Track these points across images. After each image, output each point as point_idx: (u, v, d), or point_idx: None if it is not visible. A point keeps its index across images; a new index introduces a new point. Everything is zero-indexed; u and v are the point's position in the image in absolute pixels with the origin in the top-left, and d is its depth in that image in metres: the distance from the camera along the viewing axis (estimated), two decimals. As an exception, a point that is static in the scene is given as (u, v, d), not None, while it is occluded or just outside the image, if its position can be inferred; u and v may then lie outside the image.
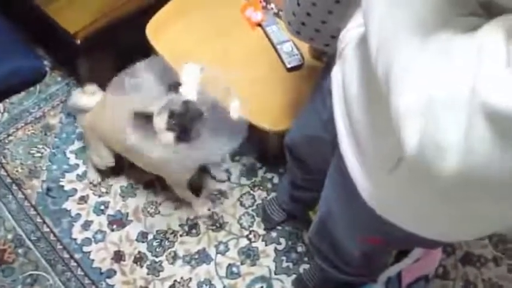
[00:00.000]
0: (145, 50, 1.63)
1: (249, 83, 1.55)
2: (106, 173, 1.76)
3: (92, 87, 1.58)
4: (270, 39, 1.65)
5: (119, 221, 1.69)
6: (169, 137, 1.29)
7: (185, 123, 1.28)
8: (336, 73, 0.82)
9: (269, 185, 1.80)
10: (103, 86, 1.58)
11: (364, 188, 0.73)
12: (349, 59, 0.76)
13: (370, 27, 0.57)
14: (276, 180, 1.82)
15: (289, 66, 1.59)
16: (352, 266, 1.14)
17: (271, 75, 1.59)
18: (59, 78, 2.00)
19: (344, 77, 0.77)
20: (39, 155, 1.81)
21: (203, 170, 1.77)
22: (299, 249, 1.69)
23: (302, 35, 1.05)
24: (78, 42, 1.60)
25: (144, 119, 1.29)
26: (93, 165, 1.72)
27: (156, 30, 1.65)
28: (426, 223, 0.71)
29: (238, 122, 1.37)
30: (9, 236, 1.64)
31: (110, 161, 1.64)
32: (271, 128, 1.51)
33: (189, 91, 1.33)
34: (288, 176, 1.54)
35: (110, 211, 1.71)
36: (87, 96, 1.56)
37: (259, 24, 1.68)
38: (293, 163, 1.38)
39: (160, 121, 1.28)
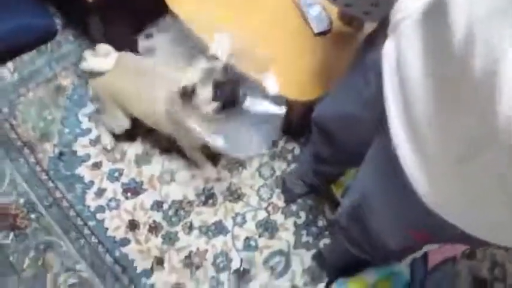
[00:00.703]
0: (162, 11, 1.53)
1: (273, 49, 1.45)
2: (120, 139, 1.69)
3: (104, 48, 1.48)
4: (296, 2, 1.53)
5: (133, 189, 1.63)
6: (214, 106, 1.24)
7: (229, 91, 1.24)
8: (388, 49, 0.72)
9: (290, 156, 1.73)
10: (117, 47, 1.50)
11: (418, 181, 0.65)
12: (409, 34, 0.66)
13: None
14: (297, 151, 1.74)
15: (316, 31, 1.48)
16: (382, 252, 1.08)
17: (297, 40, 1.49)
18: (71, 38, 1.91)
19: (400, 55, 0.67)
20: (50, 117, 1.73)
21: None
22: (319, 223, 1.63)
23: (338, 1, 0.94)
24: (90, 0, 1.49)
25: (190, 91, 1.23)
26: (108, 129, 1.65)
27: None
28: (494, 228, 0.63)
29: (275, 109, 1.33)
30: (21, 201, 1.59)
31: (126, 125, 1.57)
32: (297, 98, 1.42)
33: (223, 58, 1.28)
34: (311, 148, 1.46)
35: (124, 179, 1.65)
36: (100, 58, 1.47)
37: (286, -15, 1.56)
38: (320, 138, 1.29)
39: (205, 92, 1.23)
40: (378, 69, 0.77)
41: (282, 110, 1.34)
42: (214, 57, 1.27)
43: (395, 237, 0.91)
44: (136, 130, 1.68)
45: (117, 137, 1.68)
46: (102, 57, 1.47)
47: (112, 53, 1.47)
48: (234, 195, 1.64)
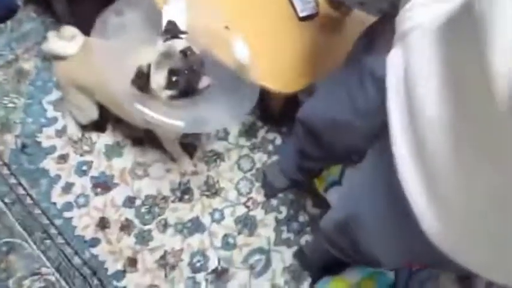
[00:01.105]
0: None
1: (255, 35, 1.32)
2: (88, 128, 1.56)
3: (70, 30, 1.34)
4: (280, -18, 1.40)
5: (103, 184, 1.52)
6: (168, 94, 1.10)
7: (187, 77, 1.08)
8: (394, 59, 0.61)
9: (270, 147, 1.63)
10: (84, 28, 1.34)
11: (424, 215, 0.56)
12: (421, 47, 0.56)
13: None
14: (278, 141, 1.64)
15: (301, 14, 1.36)
16: (370, 261, 1.01)
17: (280, 25, 1.37)
18: (34, 15, 1.74)
19: (409, 68, 0.57)
20: (12, 105, 1.59)
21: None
22: (301, 218, 1.56)
23: None
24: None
25: (145, 74, 1.08)
26: (74, 119, 1.52)
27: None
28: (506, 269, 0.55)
29: (247, 79, 1.18)
30: (-19, 197, 1.47)
31: (93, 115, 1.45)
32: (280, 90, 1.31)
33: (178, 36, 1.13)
34: (296, 144, 1.36)
35: (93, 172, 1.53)
36: (65, 41, 1.33)
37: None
38: (306, 138, 1.20)
39: (159, 78, 1.08)
40: (377, 76, 0.69)
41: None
42: (173, 39, 1.12)
43: (389, 259, 0.84)
44: (106, 118, 1.56)
45: (85, 127, 1.55)
46: (67, 41, 1.33)
47: (78, 37, 1.33)
48: (212, 189, 1.55)
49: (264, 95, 1.50)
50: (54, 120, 1.58)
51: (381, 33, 0.70)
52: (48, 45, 1.35)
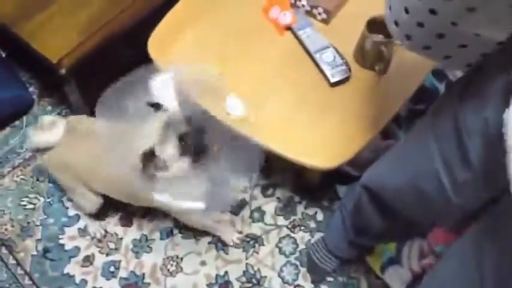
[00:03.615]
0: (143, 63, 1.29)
1: (280, 106, 1.21)
2: (113, 223, 1.44)
3: (49, 119, 1.28)
4: (304, 47, 1.29)
5: (134, 285, 1.37)
6: (185, 162, 1.01)
7: (195, 137, 1.01)
8: None
9: (312, 224, 1.47)
10: None
11: None
12: None
13: None
14: (320, 216, 1.48)
15: (332, 80, 1.23)
16: None
17: (310, 93, 1.24)
18: (49, 107, 1.68)
19: None
20: (31, 206, 1.49)
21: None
22: (357, 304, 1.37)
23: (414, 42, 0.69)
24: (63, 71, 1.26)
25: (150, 156, 0.98)
26: (83, 212, 1.42)
27: (160, 45, 1.30)
28: None
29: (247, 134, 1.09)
30: (3, 313, 1.34)
31: (96, 202, 1.34)
32: (317, 166, 1.17)
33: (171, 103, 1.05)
34: (351, 217, 1.21)
35: (122, 273, 1.39)
36: (46, 131, 1.25)
37: (289, 28, 1.32)
38: (370, 207, 1.06)
39: (169, 150, 0.99)
40: (486, 139, 0.60)
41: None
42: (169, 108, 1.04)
43: None
44: (131, 210, 1.44)
45: (109, 222, 1.44)
46: (48, 130, 1.24)
47: (58, 122, 1.25)
48: (253, 280, 1.38)
49: (299, 166, 1.37)
50: (76, 218, 1.47)
51: (482, 88, 0.59)
52: (31, 141, 1.28)
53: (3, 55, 1.69)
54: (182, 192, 1.03)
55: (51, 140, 1.22)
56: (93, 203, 1.34)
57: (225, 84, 1.16)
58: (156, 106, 1.03)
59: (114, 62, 1.39)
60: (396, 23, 0.69)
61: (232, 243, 1.42)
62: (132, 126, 1.05)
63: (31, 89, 1.70)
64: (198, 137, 1.00)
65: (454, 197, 0.75)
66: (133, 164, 0.99)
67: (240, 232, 1.44)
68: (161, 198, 1.02)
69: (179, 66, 1.15)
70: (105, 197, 1.33)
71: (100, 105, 1.08)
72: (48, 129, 1.23)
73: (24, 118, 1.65)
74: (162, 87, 1.10)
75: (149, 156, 0.98)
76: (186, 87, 1.08)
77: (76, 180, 1.27)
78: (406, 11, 0.64)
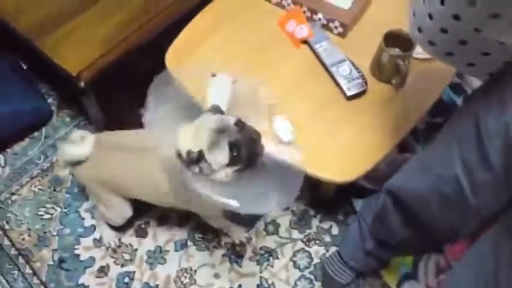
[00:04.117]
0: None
1: (297, 119, 1.20)
2: (128, 234, 1.45)
3: (78, 133, 1.29)
4: (320, 60, 1.29)
5: (147, 297, 1.38)
6: (231, 171, 0.98)
7: (248, 148, 0.97)
8: None
9: (327, 238, 1.46)
10: (117, 126, 1.32)
11: None
12: None
13: None
14: (335, 230, 1.47)
15: (349, 93, 1.23)
16: None
17: (327, 107, 1.24)
18: (68, 119, 1.70)
19: None
20: (48, 216, 1.51)
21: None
22: (373, 320, 1.34)
23: (438, 47, 0.70)
24: (83, 84, 1.28)
25: (195, 158, 0.96)
26: (108, 223, 1.42)
27: (178, 57, 1.32)
28: None
29: (293, 162, 1.05)
30: (18, 323, 1.35)
31: (128, 212, 1.35)
32: (334, 180, 1.16)
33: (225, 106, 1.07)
34: (372, 227, 1.20)
35: (136, 284, 1.39)
36: (76, 145, 1.26)
37: (305, 41, 1.33)
38: (396, 214, 1.06)
39: (218, 157, 0.96)
40: (507, 143, 0.62)
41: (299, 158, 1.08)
42: (220, 114, 1.03)
43: None
44: (147, 220, 1.45)
45: (125, 233, 1.45)
46: (78, 144, 1.26)
47: (88, 136, 1.27)
48: (267, 294, 1.37)
49: (313, 179, 1.36)
50: (92, 229, 1.48)
51: (503, 92, 0.62)
52: (61, 155, 1.30)
53: (25, 67, 1.73)
54: (219, 188, 1.01)
55: (82, 153, 1.24)
56: (123, 214, 1.35)
57: (275, 104, 1.15)
58: (213, 107, 1.04)
59: (132, 75, 1.41)
60: (420, 29, 0.70)
61: (238, 241, 1.43)
62: (163, 132, 1.06)
63: (50, 100, 1.73)
64: (250, 148, 0.98)
65: (472, 199, 0.76)
66: (175, 163, 0.99)
67: (249, 239, 1.45)
68: (202, 190, 0.99)
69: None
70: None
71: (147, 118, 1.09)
72: (78, 143, 1.25)
73: (43, 129, 1.68)
74: (220, 87, 1.11)
75: (193, 159, 0.96)
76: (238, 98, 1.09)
77: (110, 191, 1.28)
78: (430, 16, 0.65)
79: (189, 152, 0.95)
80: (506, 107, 0.65)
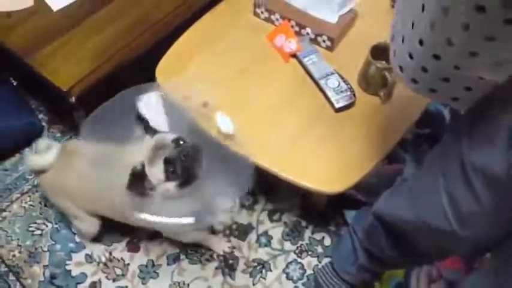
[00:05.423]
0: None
1: (286, 131, 1.22)
2: (119, 248, 1.45)
3: (44, 143, 1.30)
4: (309, 73, 1.31)
5: (140, 313, 1.37)
6: (170, 187, 1.02)
7: (184, 164, 1.01)
8: None
9: (320, 249, 1.46)
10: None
11: None
12: None
13: None
14: (327, 241, 1.48)
15: (337, 105, 1.25)
16: None
17: (315, 119, 1.25)
18: (59, 134, 1.70)
19: None
20: (39, 232, 1.50)
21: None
22: (366, 331, 1.35)
23: (420, 85, 0.70)
24: (73, 100, 1.29)
25: (140, 174, 1.00)
26: (85, 238, 1.42)
27: (168, 72, 1.33)
28: None
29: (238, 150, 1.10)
30: None
31: (94, 227, 1.35)
32: (322, 190, 1.17)
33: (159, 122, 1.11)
34: (363, 243, 1.21)
35: (128, 299, 1.39)
36: (41, 154, 1.27)
37: (294, 55, 1.35)
38: (385, 239, 1.07)
39: (156, 173, 1.01)
40: (492, 173, 0.61)
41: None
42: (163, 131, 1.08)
43: None
44: (138, 235, 1.45)
45: (116, 247, 1.44)
46: (43, 153, 1.27)
47: (53, 146, 1.28)
48: (260, 306, 1.37)
49: (304, 191, 1.37)
50: (83, 244, 1.47)
51: (487, 130, 0.63)
52: (27, 164, 1.31)
53: (14, 83, 1.73)
54: (169, 210, 1.04)
55: (45, 163, 1.24)
56: (92, 225, 1.34)
57: (215, 101, 1.20)
58: (146, 125, 1.07)
59: (122, 90, 1.42)
60: (401, 68, 0.70)
61: (222, 252, 1.44)
62: (120, 146, 1.08)
63: (41, 116, 1.73)
64: (186, 163, 1.01)
65: (460, 231, 0.75)
66: (121, 184, 1.01)
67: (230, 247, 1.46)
68: (144, 216, 1.01)
69: (169, 83, 1.20)
70: (108, 222, 1.33)
71: (86, 127, 1.11)
72: (44, 152, 1.26)
73: (34, 145, 1.67)
74: (150, 105, 1.13)
75: (138, 175, 0.99)
76: (176, 103, 1.13)
77: (72, 203, 1.28)
78: (411, 56, 0.65)
79: (134, 167, 0.99)
80: (490, 144, 0.65)
